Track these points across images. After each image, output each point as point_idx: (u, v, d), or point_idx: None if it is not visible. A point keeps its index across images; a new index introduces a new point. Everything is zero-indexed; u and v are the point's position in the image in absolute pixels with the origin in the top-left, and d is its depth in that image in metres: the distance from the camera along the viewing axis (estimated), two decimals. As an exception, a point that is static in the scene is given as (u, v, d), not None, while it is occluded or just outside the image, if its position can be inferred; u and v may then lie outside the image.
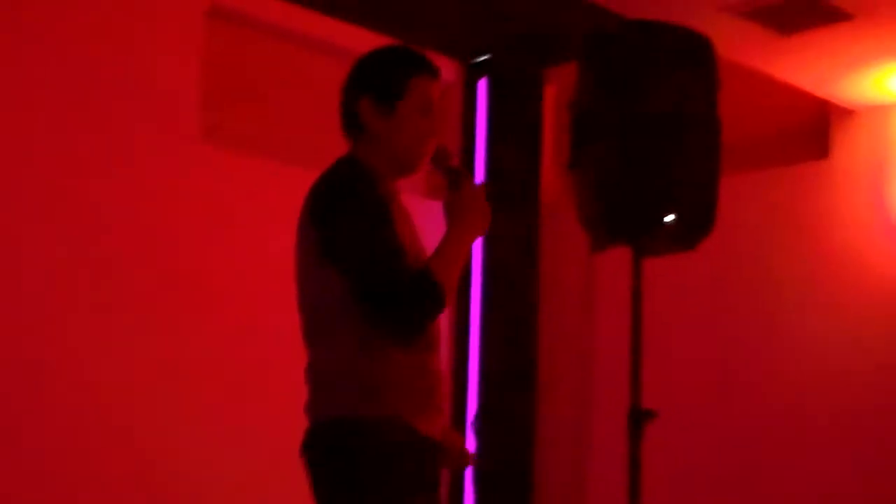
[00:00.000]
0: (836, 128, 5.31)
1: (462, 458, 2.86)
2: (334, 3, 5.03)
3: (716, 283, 5.50)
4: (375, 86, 2.68)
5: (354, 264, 2.57)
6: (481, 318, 5.44)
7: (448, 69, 5.55)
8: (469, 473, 2.89)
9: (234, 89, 4.96)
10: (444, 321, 2.89)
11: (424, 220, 2.85)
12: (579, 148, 3.23)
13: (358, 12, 5.08)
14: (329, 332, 2.62)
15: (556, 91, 5.64)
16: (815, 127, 5.39)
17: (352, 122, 2.72)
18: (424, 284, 2.54)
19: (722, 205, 3.18)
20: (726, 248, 5.08)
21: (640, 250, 3.17)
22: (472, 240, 2.67)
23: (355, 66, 2.75)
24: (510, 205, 5.31)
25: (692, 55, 3.25)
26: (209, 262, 4.68)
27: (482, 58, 5.60)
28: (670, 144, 3.15)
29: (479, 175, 5.51)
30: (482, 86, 5.61)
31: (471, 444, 2.90)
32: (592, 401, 5.70)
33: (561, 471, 5.71)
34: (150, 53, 4.59)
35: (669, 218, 3.09)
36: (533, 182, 5.66)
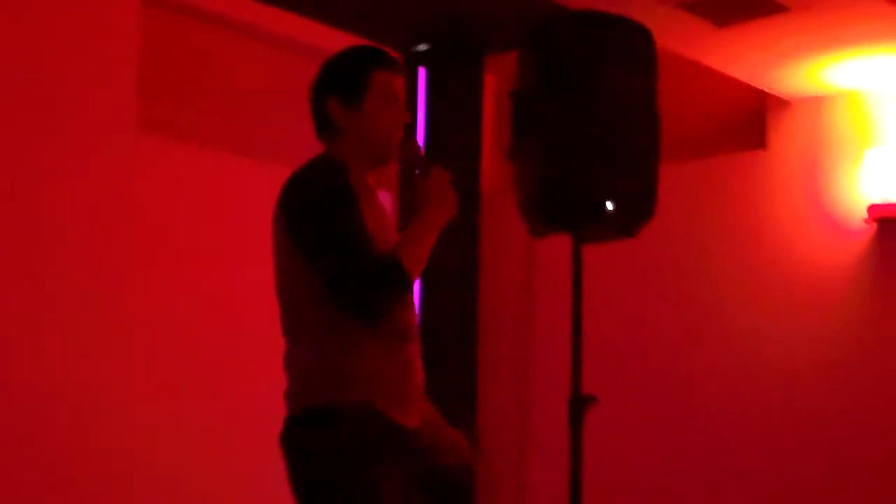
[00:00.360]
0: (772, 118, 5.37)
1: (461, 453, 2.90)
2: (273, -8, 4.99)
3: (654, 271, 5.54)
4: (340, 84, 2.78)
5: (320, 250, 2.63)
6: (421, 306, 5.44)
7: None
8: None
9: (172, 78, 4.90)
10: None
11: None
12: (520, 136, 3.23)
13: (297, 1, 5.05)
14: (303, 322, 2.69)
15: (496, 81, 5.65)
16: (753, 117, 5.45)
17: (323, 124, 2.81)
18: (388, 265, 2.61)
19: (661, 193, 3.20)
20: (665, 235, 5.12)
21: (579, 237, 3.18)
22: (440, 225, 2.75)
23: (320, 70, 2.85)
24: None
25: (633, 46, 3.27)
26: (147, 251, 4.63)
27: (422, 47, 5.59)
28: (610, 133, 3.16)
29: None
30: (422, 75, 5.61)
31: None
32: (533, 387, 5.73)
33: (502, 456, 5.73)
34: (85, 42, 4.51)
35: (609, 205, 3.11)
36: (473, 171, 5.66)
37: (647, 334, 5.54)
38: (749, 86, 5.18)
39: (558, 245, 3.27)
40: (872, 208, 4.96)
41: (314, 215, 2.65)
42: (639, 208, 3.19)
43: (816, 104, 5.25)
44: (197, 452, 4.66)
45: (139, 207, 4.61)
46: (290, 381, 2.71)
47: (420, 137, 5.61)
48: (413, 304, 2.80)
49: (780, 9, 4.37)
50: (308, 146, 4.60)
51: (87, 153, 4.47)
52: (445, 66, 5.57)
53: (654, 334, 5.52)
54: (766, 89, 5.22)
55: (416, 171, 2.79)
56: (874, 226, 5.01)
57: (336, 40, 5.28)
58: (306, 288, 2.66)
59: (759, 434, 5.20)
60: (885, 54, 4.75)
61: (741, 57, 4.87)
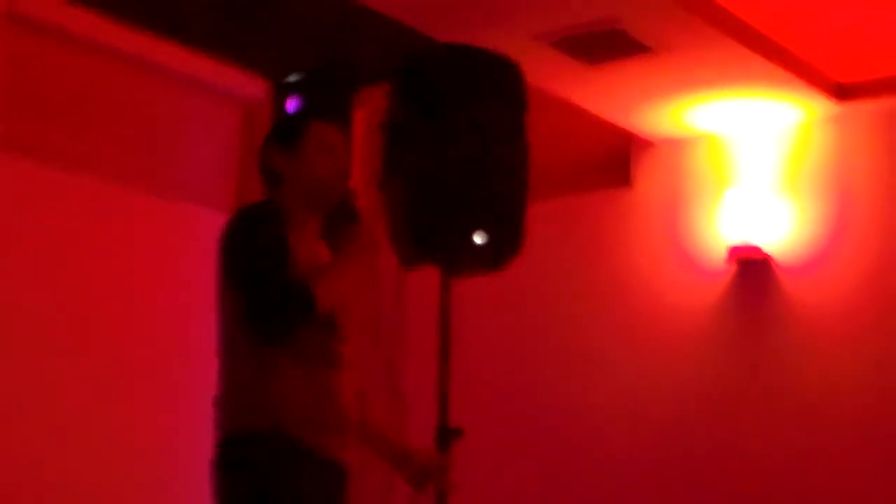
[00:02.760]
0: (636, 158, 5.47)
1: (425, 475, 3.02)
2: (141, 16, 4.90)
3: (522, 307, 5.57)
4: (279, 134, 3.05)
5: (243, 282, 2.78)
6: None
7: (257, 88, 5.49)
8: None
9: (35, 99, 4.79)
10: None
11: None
12: (390, 168, 3.24)
13: (167, 26, 4.98)
14: (230, 353, 2.83)
15: (367, 113, 5.64)
16: (619, 156, 5.54)
17: (269, 177, 3.01)
18: (297, 288, 2.73)
19: (529, 229, 3.23)
20: (533, 271, 5.16)
21: (448, 270, 3.19)
22: (358, 265, 2.91)
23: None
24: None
25: (502, 80, 3.30)
26: (6, 274, 4.51)
27: (292, 77, 5.55)
28: (479, 167, 3.18)
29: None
30: (291, 106, 5.56)
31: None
32: (401, 419, 5.68)
33: (369, 489, 5.66)
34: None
35: (478, 238, 3.12)
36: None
37: (514, 368, 5.55)
38: (615, 125, 5.27)
39: (428, 277, 3.26)
40: (732, 250, 5.07)
41: (244, 252, 2.81)
42: (508, 242, 3.21)
43: (678, 146, 5.36)
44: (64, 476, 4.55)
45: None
46: (217, 409, 2.83)
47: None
48: (341, 333, 2.91)
49: (646, 50, 4.47)
50: (168, 171, 4.53)
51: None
52: (316, 98, 5.54)
53: (520, 369, 5.54)
54: (631, 129, 5.32)
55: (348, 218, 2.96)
56: (734, 267, 5.13)
57: (205, 67, 5.23)
58: (234, 319, 2.80)
59: (621, 470, 5.24)
60: (743, 98, 4.89)
61: (608, 96, 4.95)
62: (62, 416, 4.63)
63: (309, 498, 2.75)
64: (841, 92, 4.91)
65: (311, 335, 2.79)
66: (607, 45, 4.43)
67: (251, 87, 5.41)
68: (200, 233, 4.99)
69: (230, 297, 2.82)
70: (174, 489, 4.79)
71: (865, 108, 4.94)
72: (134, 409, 4.85)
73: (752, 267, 5.08)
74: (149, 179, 5.11)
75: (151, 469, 4.87)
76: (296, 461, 2.74)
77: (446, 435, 3.01)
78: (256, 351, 2.76)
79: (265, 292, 2.72)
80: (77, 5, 4.78)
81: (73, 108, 4.92)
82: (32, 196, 4.63)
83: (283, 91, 5.54)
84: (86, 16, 4.82)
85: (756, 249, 5.05)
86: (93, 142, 4.96)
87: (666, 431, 5.16)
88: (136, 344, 4.88)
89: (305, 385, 2.78)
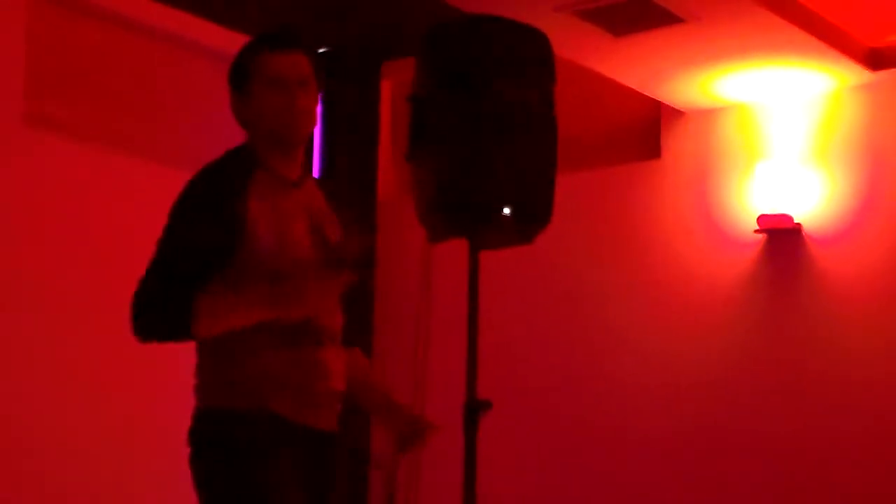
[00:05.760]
0: (666, 129, 5.43)
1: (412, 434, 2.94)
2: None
3: (550, 279, 5.56)
4: (232, 77, 2.78)
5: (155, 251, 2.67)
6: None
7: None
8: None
9: (59, 74, 4.80)
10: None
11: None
12: (418, 140, 3.22)
13: (192, 1, 4.98)
14: None
15: (393, 86, 5.63)
16: (649, 127, 5.51)
17: (242, 127, 2.79)
18: (180, 304, 2.56)
19: (558, 201, 3.21)
20: (562, 244, 5.15)
21: (476, 243, 3.17)
22: (260, 315, 2.62)
23: None
24: (346, 200, 5.27)
25: (530, 51, 3.27)
26: (32, 250, 4.53)
27: (319, 51, 5.54)
28: (507, 138, 3.16)
29: (315, 170, 5.45)
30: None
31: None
32: (428, 393, 5.70)
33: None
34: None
35: (506, 210, 3.11)
36: (369, 178, 5.63)
37: (541, 342, 5.55)
38: (645, 96, 5.24)
39: (455, 251, 3.26)
40: (762, 218, 5.04)
41: (170, 219, 2.67)
42: (536, 214, 3.19)
43: (709, 116, 5.32)
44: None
45: (22, 201, 4.52)
46: (196, 380, 2.71)
47: (316, 143, 5.56)
48: (335, 307, 2.79)
49: (676, 20, 4.43)
50: (193, 145, 4.54)
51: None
52: (342, 71, 5.53)
53: (548, 342, 5.54)
54: (661, 100, 5.28)
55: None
56: (764, 236, 5.10)
57: (230, 40, 5.22)
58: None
59: (649, 443, 5.24)
60: (775, 67, 4.84)
61: (637, 67, 4.92)
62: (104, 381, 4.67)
63: (291, 471, 2.63)
64: (873, 59, 4.85)
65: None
66: (636, 14, 4.39)
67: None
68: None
69: None
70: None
71: (899, 76, 4.88)
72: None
73: (782, 237, 5.05)
74: (173, 153, 5.12)
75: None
76: (278, 436, 2.62)
77: (475, 407, 3.00)
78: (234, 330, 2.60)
79: (148, 287, 2.60)
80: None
81: (95, 81, 4.93)
82: (56, 171, 4.65)
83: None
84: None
85: (786, 218, 5.01)
86: (115, 115, 4.97)
87: (696, 402, 5.16)
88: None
89: (290, 362, 2.64)
